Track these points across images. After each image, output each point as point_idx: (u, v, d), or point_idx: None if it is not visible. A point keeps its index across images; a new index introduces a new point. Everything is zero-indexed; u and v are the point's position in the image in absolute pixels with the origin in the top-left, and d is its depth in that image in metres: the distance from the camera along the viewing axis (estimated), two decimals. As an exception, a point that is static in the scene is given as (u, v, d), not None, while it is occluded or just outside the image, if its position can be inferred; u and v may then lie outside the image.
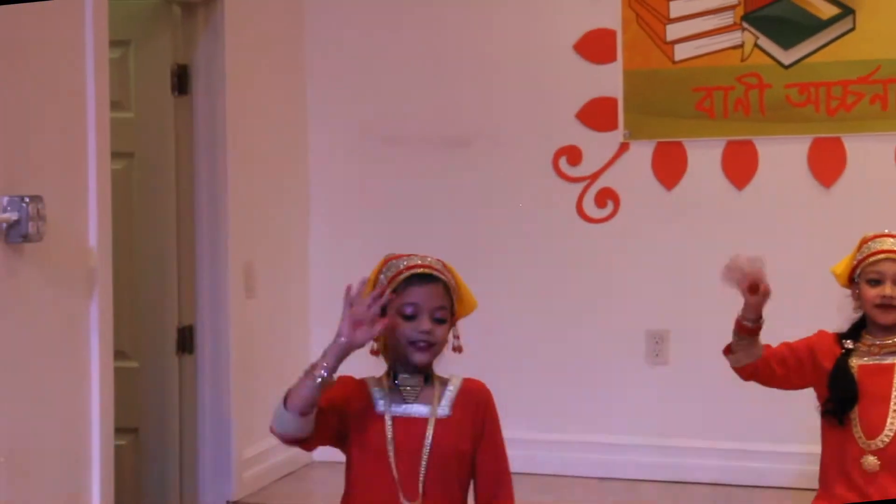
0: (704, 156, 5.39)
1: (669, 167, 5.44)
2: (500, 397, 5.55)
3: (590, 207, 5.53)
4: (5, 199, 3.90)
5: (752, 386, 5.22)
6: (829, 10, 5.21)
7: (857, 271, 3.76)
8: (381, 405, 3.18)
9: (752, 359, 3.80)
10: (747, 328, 3.76)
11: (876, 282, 3.69)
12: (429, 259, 3.26)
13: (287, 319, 5.66)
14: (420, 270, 3.21)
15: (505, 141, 5.63)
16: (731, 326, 5.25)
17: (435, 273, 3.22)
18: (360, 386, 3.22)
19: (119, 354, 4.60)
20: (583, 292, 5.55)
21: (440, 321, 3.20)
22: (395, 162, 5.75)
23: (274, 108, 5.63)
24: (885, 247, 3.71)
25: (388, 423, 3.16)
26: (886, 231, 3.78)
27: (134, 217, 5.06)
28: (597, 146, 5.50)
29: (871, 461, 3.64)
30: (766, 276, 3.65)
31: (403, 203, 5.74)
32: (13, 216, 3.89)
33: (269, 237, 5.56)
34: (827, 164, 5.26)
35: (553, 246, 5.59)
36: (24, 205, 3.91)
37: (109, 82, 4.44)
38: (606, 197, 5.51)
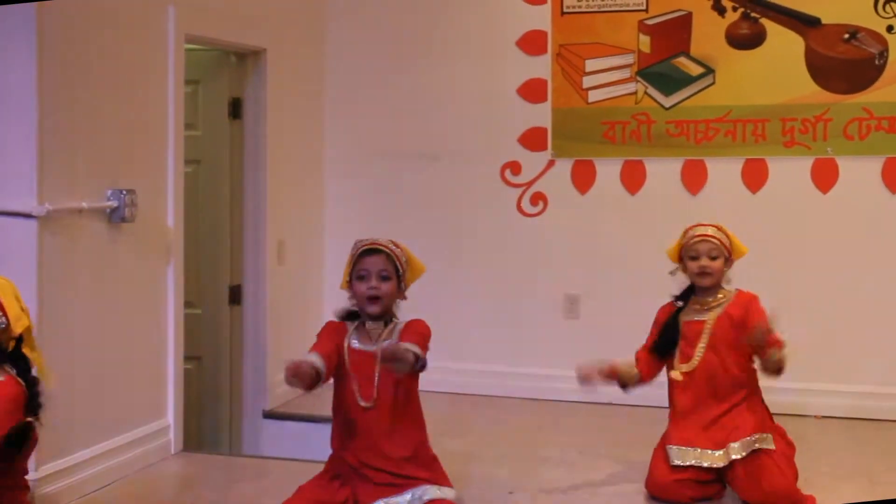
0: (608, 171, 5.38)
1: (583, 178, 5.42)
2: (457, 338, 5.66)
3: (526, 206, 5.51)
4: (109, 192, 3.98)
5: (639, 336, 5.30)
6: (697, 69, 5.21)
7: (683, 251, 3.85)
8: (353, 343, 3.36)
9: (638, 381, 3.91)
10: (624, 387, 3.91)
11: (694, 258, 3.80)
12: (379, 239, 3.37)
13: (307, 281, 5.59)
14: (367, 246, 3.34)
15: (466, 156, 5.58)
16: (627, 293, 5.32)
17: (378, 247, 3.34)
18: (341, 329, 3.39)
19: (187, 304, 4.64)
20: (520, 266, 5.51)
21: (385, 279, 3.31)
22: (386, 170, 5.68)
23: (300, 130, 5.55)
24: (699, 232, 3.83)
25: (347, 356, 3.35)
26: (704, 222, 3.90)
27: (200, 206, 5.06)
28: (532, 162, 5.48)
29: (676, 374, 3.84)
30: (595, 376, 3.80)
31: (392, 199, 5.65)
32: (115, 203, 3.97)
33: (295, 222, 5.50)
34: (694, 178, 5.27)
35: (500, 233, 5.54)
36: (122, 195, 3.99)
37: (184, 110, 4.47)
38: (538, 198, 5.49)
